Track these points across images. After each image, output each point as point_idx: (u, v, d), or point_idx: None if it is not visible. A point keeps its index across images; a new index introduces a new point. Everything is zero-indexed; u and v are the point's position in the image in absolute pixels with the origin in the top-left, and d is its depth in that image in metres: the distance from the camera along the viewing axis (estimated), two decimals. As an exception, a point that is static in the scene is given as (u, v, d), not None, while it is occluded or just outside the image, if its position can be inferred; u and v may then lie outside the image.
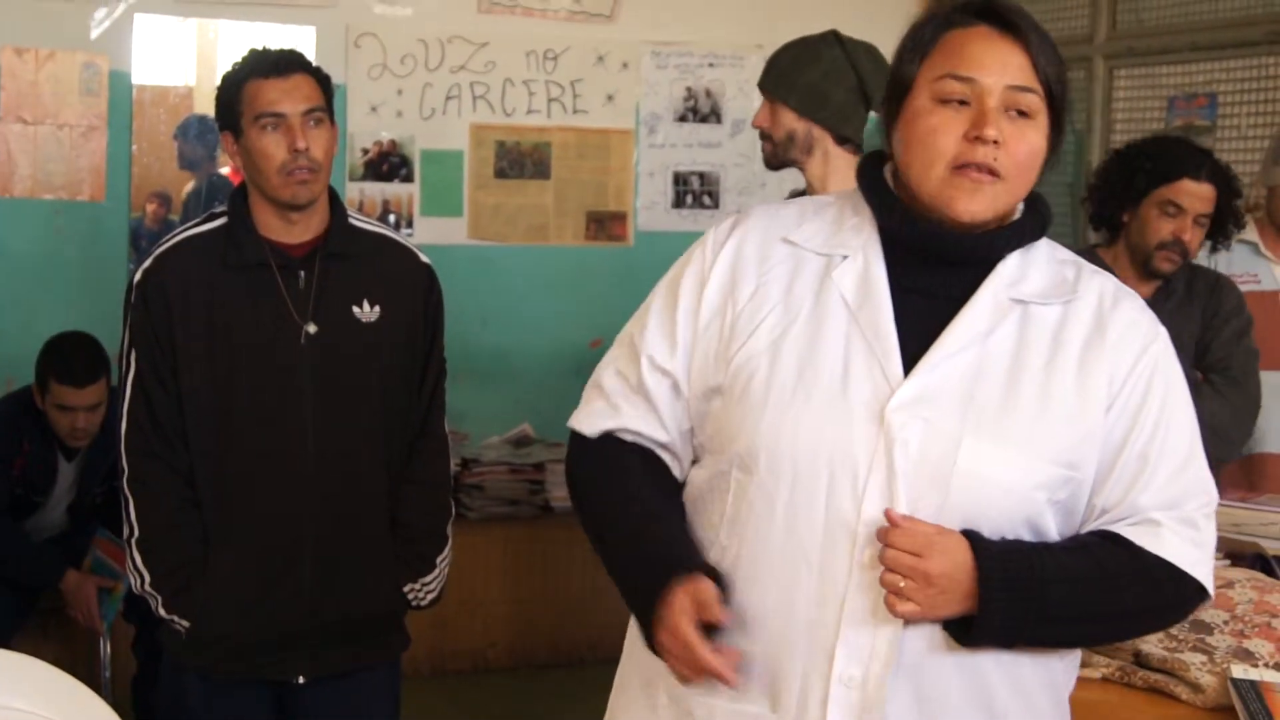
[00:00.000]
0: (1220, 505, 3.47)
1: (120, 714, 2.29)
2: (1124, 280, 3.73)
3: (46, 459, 4.54)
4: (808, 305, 1.91)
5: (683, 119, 6.29)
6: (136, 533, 2.91)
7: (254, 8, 5.53)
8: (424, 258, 3.10)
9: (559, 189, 6.15)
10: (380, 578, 3.01)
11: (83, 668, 3.93)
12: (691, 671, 1.84)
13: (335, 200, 3.03)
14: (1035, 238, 1.95)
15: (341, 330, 2.93)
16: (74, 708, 2.21)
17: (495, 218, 6.06)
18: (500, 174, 6.04)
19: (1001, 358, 1.87)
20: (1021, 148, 1.85)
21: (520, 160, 6.06)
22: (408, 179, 5.88)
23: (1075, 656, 2.00)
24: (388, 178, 5.85)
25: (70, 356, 4.44)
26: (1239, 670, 2.36)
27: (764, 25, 5.90)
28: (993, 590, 1.78)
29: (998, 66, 1.85)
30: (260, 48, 2.97)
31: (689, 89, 6.28)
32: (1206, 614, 2.50)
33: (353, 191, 5.74)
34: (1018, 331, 1.88)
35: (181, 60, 5.48)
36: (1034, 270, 1.93)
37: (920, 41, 1.91)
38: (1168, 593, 1.89)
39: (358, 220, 3.07)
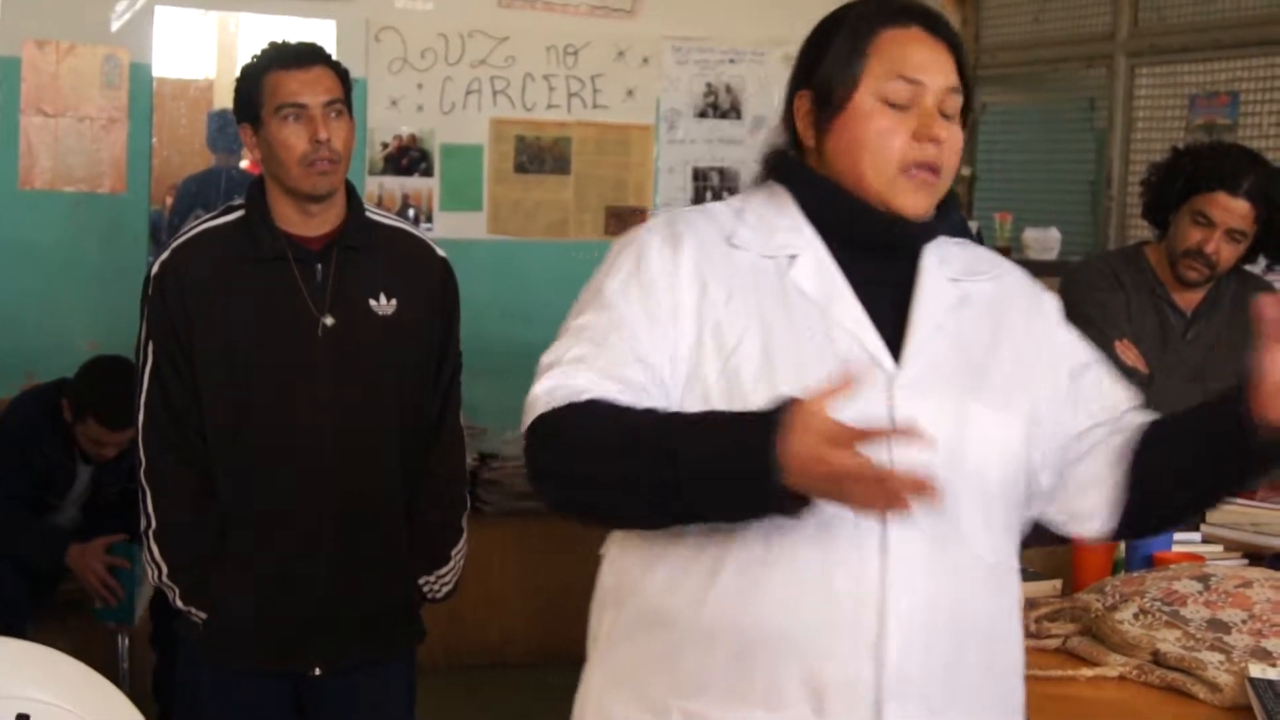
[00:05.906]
0: (1240, 505, 3.49)
1: (139, 705, 2.30)
2: (1164, 282, 3.72)
3: (66, 465, 4.52)
4: (779, 308, 1.89)
5: (703, 115, 6.28)
6: (154, 524, 2.92)
7: (274, 1, 5.54)
8: (440, 251, 3.10)
9: (579, 184, 6.14)
10: (396, 570, 3.02)
11: (100, 659, 3.93)
12: (879, 481, 1.61)
13: (352, 194, 3.03)
14: (956, 228, 2.05)
15: (358, 323, 2.94)
16: (94, 700, 2.21)
17: (515, 213, 6.06)
18: (520, 169, 6.03)
19: (965, 332, 1.96)
20: (955, 144, 1.94)
21: (540, 155, 6.06)
22: (427, 173, 5.88)
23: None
24: (407, 172, 5.85)
25: (111, 397, 4.35)
26: (1257, 669, 2.35)
27: (785, 21, 5.84)
28: None
29: (937, 70, 1.93)
30: (280, 40, 2.98)
31: (709, 85, 6.27)
32: (1224, 613, 2.50)
33: (372, 185, 5.74)
34: (967, 307, 1.98)
35: (202, 53, 5.50)
36: (950, 253, 2.02)
37: (857, 40, 1.93)
38: None
39: (374, 213, 3.07)
